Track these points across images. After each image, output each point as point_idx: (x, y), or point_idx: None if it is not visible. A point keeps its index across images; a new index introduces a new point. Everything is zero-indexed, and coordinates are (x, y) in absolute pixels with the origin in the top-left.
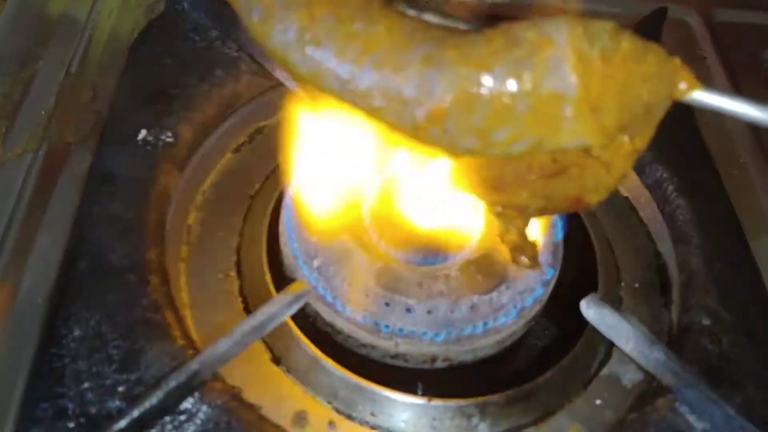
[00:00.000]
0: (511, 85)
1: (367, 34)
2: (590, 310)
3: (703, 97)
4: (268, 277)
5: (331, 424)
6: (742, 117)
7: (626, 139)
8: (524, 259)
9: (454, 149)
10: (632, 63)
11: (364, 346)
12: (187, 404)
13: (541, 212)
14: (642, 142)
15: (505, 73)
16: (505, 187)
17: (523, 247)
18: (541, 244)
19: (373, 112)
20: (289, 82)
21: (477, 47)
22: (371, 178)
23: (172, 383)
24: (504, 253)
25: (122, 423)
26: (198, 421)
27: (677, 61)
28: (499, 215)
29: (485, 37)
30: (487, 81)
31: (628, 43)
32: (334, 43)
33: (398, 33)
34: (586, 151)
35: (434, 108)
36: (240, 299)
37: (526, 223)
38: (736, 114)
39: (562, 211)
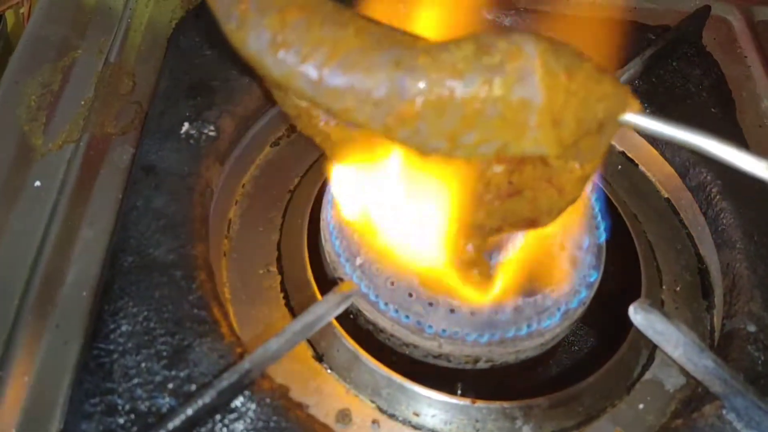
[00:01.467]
0: (483, 91)
1: (336, 38)
2: (638, 315)
3: (642, 121)
4: (309, 274)
5: (375, 422)
6: (676, 140)
7: (577, 165)
8: (475, 274)
9: (423, 149)
10: (592, 82)
11: (407, 345)
12: (237, 402)
13: (497, 231)
14: (592, 168)
15: (477, 79)
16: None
17: (477, 263)
18: (498, 263)
19: (345, 112)
20: None
21: (447, 53)
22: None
23: (224, 382)
24: (548, 255)
25: (177, 421)
26: (248, 420)
27: (628, 88)
28: (456, 234)
29: (455, 43)
30: (459, 86)
31: (589, 64)
32: (304, 47)
33: (367, 37)
34: (544, 164)
35: (405, 111)
36: (282, 294)
37: (483, 242)
38: (671, 137)
39: (517, 230)
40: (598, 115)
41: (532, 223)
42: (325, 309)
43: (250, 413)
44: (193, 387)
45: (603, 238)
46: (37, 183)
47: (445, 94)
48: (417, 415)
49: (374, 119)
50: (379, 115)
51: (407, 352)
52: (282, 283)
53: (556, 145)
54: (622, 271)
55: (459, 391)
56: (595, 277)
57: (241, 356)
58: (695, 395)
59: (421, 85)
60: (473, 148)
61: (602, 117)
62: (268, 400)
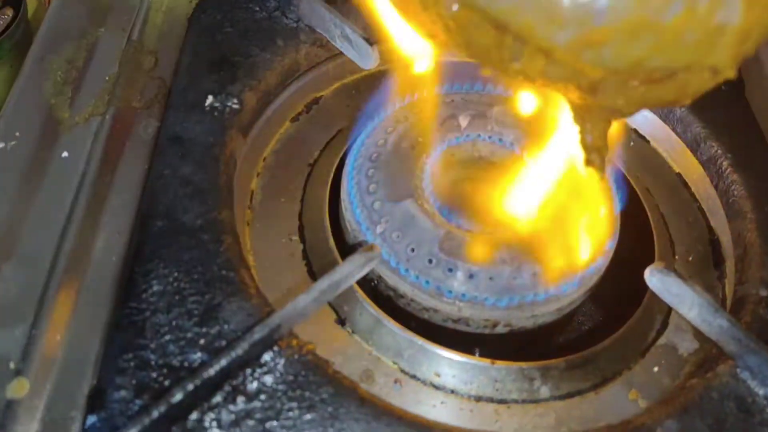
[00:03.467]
0: (685, 15)
1: None
2: (654, 278)
3: None
4: (331, 242)
5: (397, 382)
6: None
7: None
8: (597, 161)
9: (598, 70)
10: None
11: (426, 309)
12: (266, 357)
13: (629, 115)
14: (753, 47)
15: (681, 4)
16: (604, 91)
17: (600, 150)
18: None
19: (522, 26)
20: (348, 51)
21: None
22: (435, 144)
23: (256, 335)
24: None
25: (211, 371)
26: (277, 373)
27: None
28: (583, 118)
29: None
30: (661, 11)
31: None
32: None
33: None
34: None
35: (595, 33)
36: (304, 262)
37: (608, 127)
38: None
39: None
40: None
41: (668, 104)
42: (351, 268)
43: (280, 367)
44: (224, 343)
45: (618, 208)
46: (65, 154)
47: (645, 18)
48: (438, 375)
49: (554, 38)
50: (561, 34)
51: (427, 317)
52: (304, 251)
53: (735, 64)
54: (635, 242)
55: (478, 355)
56: (611, 245)
57: (269, 315)
58: (709, 357)
59: (621, 6)
60: (653, 71)
61: None
62: (296, 356)
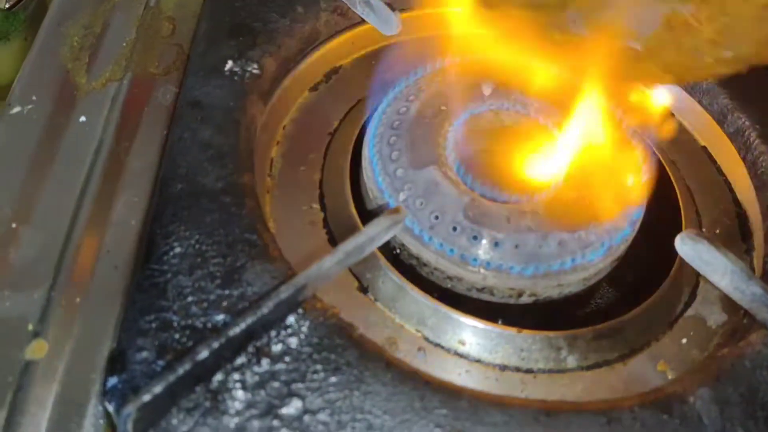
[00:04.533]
0: None
1: None
2: (686, 246)
3: None
4: (353, 209)
5: (421, 350)
6: None
7: None
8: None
9: None
10: None
11: (450, 278)
12: (291, 319)
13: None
14: None
15: None
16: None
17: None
18: None
19: None
20: (369, 17)
21: None
22: (457, 110)
23: (282, 295)
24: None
25: (236, 330)
26: (302, 336)
27: None
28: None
29: None
30: None
31: None
32: None
33: None
34: None
35: None
36: (324, 230)
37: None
38: None
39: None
40: None
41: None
42: (377, 230)
43: (304, 329)
44: (247, 305)
45: (645, 177)
46: (83, 118)
47: None
48: (462, 343)
49: None
50: None
51: (450, 286)
52: (325, 219)
53: None
54: (662, 215)
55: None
56: (638, 215)
57: (293, 276)
58: (740, 327)
59: None
60: None
61: None
62: (321, 319)
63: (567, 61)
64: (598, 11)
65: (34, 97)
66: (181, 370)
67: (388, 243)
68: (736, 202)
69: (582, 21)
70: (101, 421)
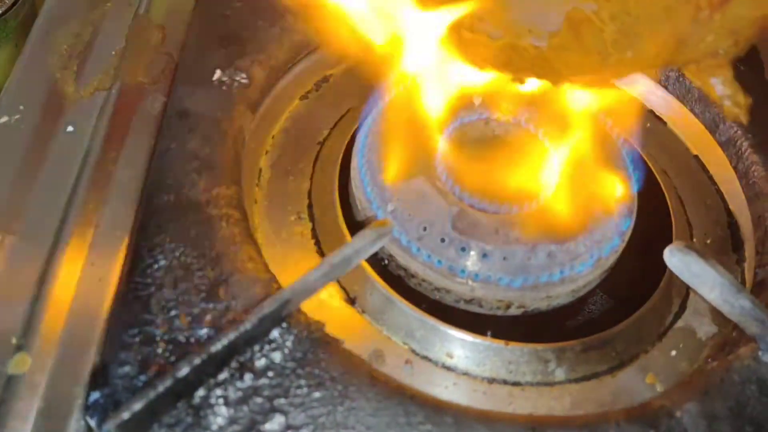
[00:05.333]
0: None
1: None
2: (674, 258)
3: None
4: (341, 219)
5: (408, 363)
6: None
7: None
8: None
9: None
10: None
11: (438, 290)
12: (275, 334)
13: (734, 48)
14: None
15: None
16: (687, 41)
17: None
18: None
19: None
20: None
21: None
22: (447, 119)
23: (265, 309)
24: (582, 201)
25: (218, 345)
26: (286, 350)
27: None
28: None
29: None
30: None
31: None
32: None
33: None
34: None
35: None
36: (313, 241)
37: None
38: None
39: (752, 38)
40: None
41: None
42: (363, 243)
43: (288, 344)
44: (231, 319)
45: (635, 188)
46: (70, 128)
47: None
48: (450, 356)
49: None
50: None
51: (438, 297)
52: (313, 230)
53: None
54: (652, 225)
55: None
56: (627, 225)
57: (277, 291)
58: (729, 340)
59: None
60: None
61: None
62: (305, 333)
63: (475, 60)
64: (504, 10)
65: (21, 107)
66: (161, 387)
67: (376, 254)
68: (728, 212)
69: (489, 19)
70: None
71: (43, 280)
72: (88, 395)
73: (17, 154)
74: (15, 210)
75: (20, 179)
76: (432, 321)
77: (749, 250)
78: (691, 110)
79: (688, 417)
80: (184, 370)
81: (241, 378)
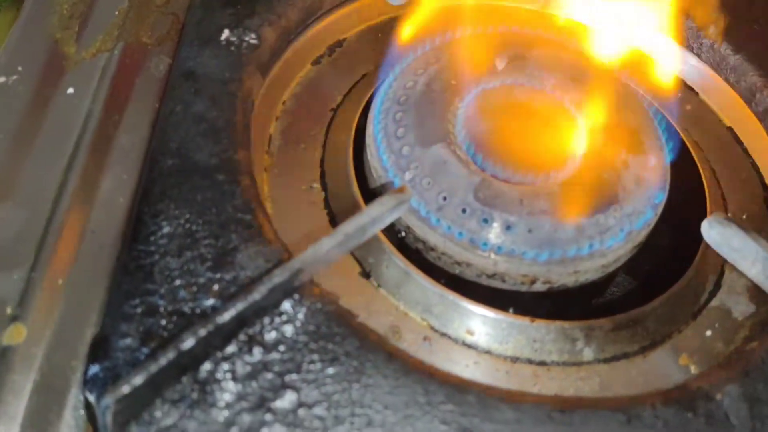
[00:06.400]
0: None
1: None
2: (713, 230)
3: None
4: (356, 189)
5: (426, 340)
6: None
7: None
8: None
9: None
10: None
11: (459, 264)
12: (286, 306)
13: None
14: None
15: None
16: None
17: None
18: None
19: None
20: None
21: None
22: (469, 85)
23: (276, 279)
24: (608, 167)
25: (225, 316)
26: (297, 323)
27: None
28: None
29: None
30: None
31: None
32: None
33: None
34: None
35: None
36: (325, 211)
37: None
38: None
39: None
40: None
41: None
42: (380, 211)
43: (300, 316)
44: (238, 289)
45: (669, 158)
46: (71, 90)
47: None
48: (470, 333)
49: None
50: None
51: (459, 272)
52: (326, 200)
53: None
54: (686, 199)
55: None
56: (660, 198)
57: (288, 261)
58: None
59: None
60: None
61: None
62: (318, 305)
63: None
64: None
65: (20, 68)
66: (164, 360)
67: (392, 226)
68: (764, 186)
69: None
70: (82, 412)
71: (41, 247)
72: (86, 368)
73: (14, 117)
74: (12, 175)
75: (17, 143)
76: (452, 296)
77: None
78: (726, 79)
79: (729, 400)
80: (188, 342)
81: (250, 352)
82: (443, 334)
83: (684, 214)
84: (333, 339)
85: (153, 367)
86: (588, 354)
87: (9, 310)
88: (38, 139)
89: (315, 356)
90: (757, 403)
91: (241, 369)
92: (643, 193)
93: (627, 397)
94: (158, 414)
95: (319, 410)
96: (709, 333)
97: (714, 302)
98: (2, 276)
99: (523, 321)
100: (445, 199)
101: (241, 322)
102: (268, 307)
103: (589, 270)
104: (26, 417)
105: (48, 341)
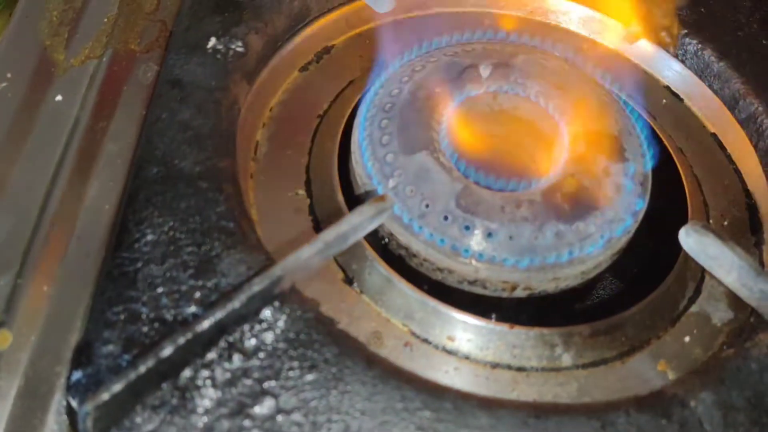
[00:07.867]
0: None
1: None
2: (690, 238)
3: None
4: (340, 198)
5: (407, 345)
6: None
7: None
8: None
9: None
10: None
11: (440, 270)
12: (266, 313)
13: None
14: None
15: None
16: None
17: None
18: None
19: None
20: None
21: None
22: (451, 95)
23: (255, 287)
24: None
25: (205, 325)
26: (277, 330)
27: None
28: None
29: None
30: None
31: None
32: None
33: None
34: None
35: None
36: (310, 218)
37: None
38: None
39: None
40: None
41: None
42: (360, 219)
43: (280, 323)
44: (220, 297)
45: (649, 165)
46: (59, 97)
47: None
48: (451, 339)
49: None
50: None
51: (441, 278)
52: (311, 206)
53: None
54: (667, 205)
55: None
56: (641, 205)
57: (268, 268)
58: (747, 326)
59: None
60: None
61: None
62: (299, 312)
63: None
64: None
65: (9, 74)
66: (143, 368)
67: (375, 232)
68: (747, 193)
69: None
70: (65, 417)
71: (27, 253)
72: (70, 374)
73: (3, 124)
74: None
75: (5, 149)
76: (433, 302)
77: None
78: (710, 86)
79: (703, 407)
80: (167, 350)
81: (229, 359)
82: (424, 340)
83: (666, 220)
84: (312, 346)
85: (132, 375)
86: (567, 360)
87: None
88: (26, 145)
89: (294, 363)
90: (731, 411)
91: (221, 376)
92: (623, 200)
93: (602, 403)
94: (138, 420)
95: (297, 416)
96: (687, 339)
97: (693, 308)
98: None
99: (503, 327)
100: (427, 206)
101: (221, 329)
102: (248, 315)
103: (570, 276)
104: (10, 421)
105: (33, 347)
